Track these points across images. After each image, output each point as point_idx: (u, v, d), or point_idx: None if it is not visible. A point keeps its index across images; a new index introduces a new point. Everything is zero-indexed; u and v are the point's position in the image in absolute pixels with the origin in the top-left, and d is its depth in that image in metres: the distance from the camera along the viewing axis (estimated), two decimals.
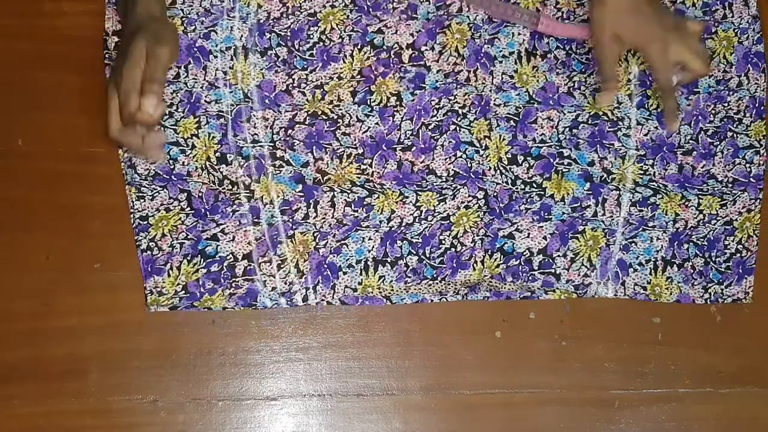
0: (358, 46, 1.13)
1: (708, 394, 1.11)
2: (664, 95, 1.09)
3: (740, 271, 1.13)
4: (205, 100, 1.10)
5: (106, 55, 1.09)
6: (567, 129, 1.13)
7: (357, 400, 1.08)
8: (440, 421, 1.08)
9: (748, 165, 1.15)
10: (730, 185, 1.14)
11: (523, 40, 1.14)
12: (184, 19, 1.11)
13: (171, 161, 1.09)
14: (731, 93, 1.16)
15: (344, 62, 1.13)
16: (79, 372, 1.05)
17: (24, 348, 1.05)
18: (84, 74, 1.10)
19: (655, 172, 1.13)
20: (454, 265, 1.10)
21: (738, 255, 1.14)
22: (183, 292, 1.07)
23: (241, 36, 1.11)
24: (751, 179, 1.15)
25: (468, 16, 1.14)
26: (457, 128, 1.12)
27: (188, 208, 1.08)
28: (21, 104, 1.10)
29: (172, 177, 1.08)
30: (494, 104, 1.13)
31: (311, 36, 1.13)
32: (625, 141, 1.14)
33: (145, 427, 1.05)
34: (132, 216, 1.08)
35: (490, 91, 1.13)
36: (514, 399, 1.09)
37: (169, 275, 1.07)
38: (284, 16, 1.13)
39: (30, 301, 1.06)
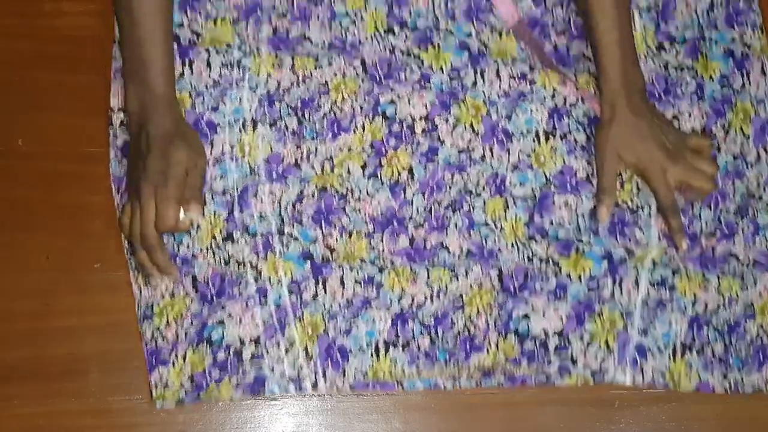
0: (370, 117, 1.11)
1: (708, 395, 1.09)
2: (666, 215, 1.09)
3: (761, 357, 1.09)
4: (210, 177, 1.07)
5: (111, 132, 1.08)
6: (585, 216, 1.11)
7: (357, 400, 1.06)
8: (440, 421, 1.07)
9: None
10: (750, 266, 1.11)
11: (542, 118, 1.12)
12: (191, 92, 1.09)
13: (175, 244, 1.06)
14: (750, 167, 1.14)
15: (355, 133, 1.10)
16: (79, 372, 1.04)
17: (24, 348, 1.04)
18: (84, 74, 1.11)
19: (675, 255, 1.11)
20: (468, 348, 1.07)
21: (759, 340, 1.10)
22: (189, 383, 1.04)
23: (251, 107, 1.09)
24: None
25: (483, 91, 1.12)
26: (471, 208, 1.10)
27: (194, 292, 1.05)
28: (21, 104, 1.10)
29: (177, 260, 1.06)
30: (510, 183, 1.10)
31: (322, 106, 1.11)
32: (647, 231, 1.11)
33: (145, 427, 1.04)
34: (137, 305, 1.05)
35: (506, 169, 1.11)
36: (514, 399, 1.07)
37: (174, 366, 1.04)
38: (294, 85, 1.11)
39: (30, 301, 1.06)
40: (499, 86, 1.13)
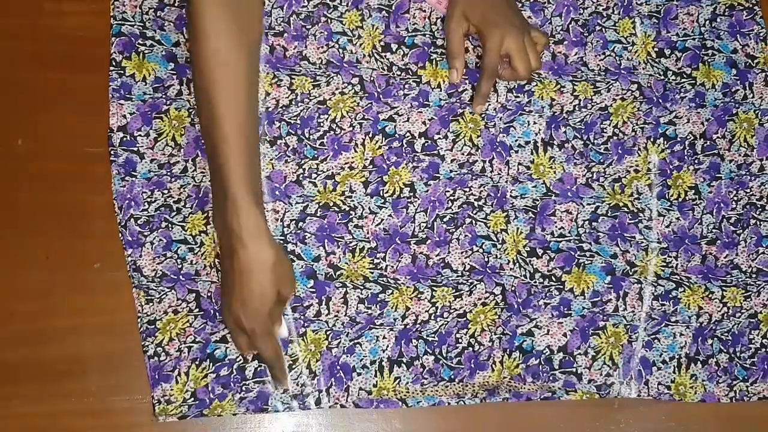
0: (370, 135, 1.11)
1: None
2: (483, 78, 1.09)
3: (765, 366, 1.10)
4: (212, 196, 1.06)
5: (111, 152, 1.08)
6: (586, 222, 1.11)
7: None
8: (440, 421, 1.07)
9: None
10: (754, 276, 1.11)
11: (539, 129, 1.12)
12: (191, 110, 1.09)
13: (179, 260, 1.06)
14: (753, 178, 1.14)
15: (355, 151, 1.10)
16: (79, 372, 1.04)
17: (24, 348, 1.04)
18: (85, 74, 1.10)
19: (677, 264, 1.11)
20: (472, 365, 1.06)
21: (763, 350, 1.10)
22: (192, 399, 1.03)
23: None
24: None
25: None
26: (473, 221, 1.09)
27: (197, 309, 1.05)
28: (21, 104, 1.10)
29: (180, 277, 1.05)
30: (510, 195, 1.10)
31: (321, 124, 1.11)
32: (647, 233, 1.11)
33: (145, 427, 1.04)
34: (140, 321, 1.05)
35: (506, 182, 1.11)
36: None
37: (177, 381, 1.04)
38: (293, 103, 1.11)
39: (30, 301, 1.05)
40: (497, 100, 1.13)
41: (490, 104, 1.13)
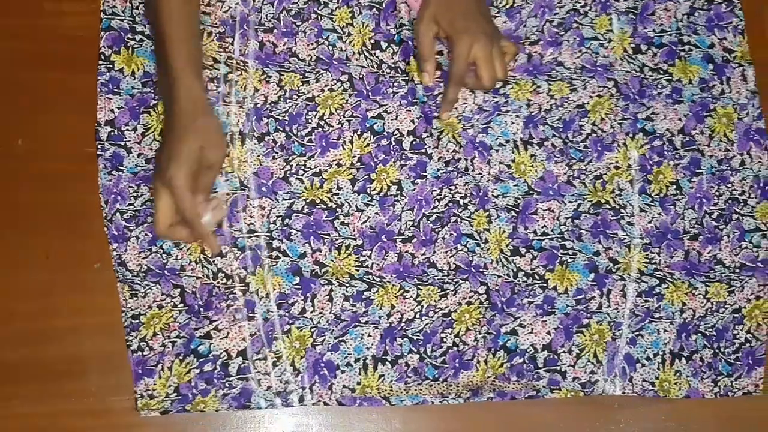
0: (358, 132, 1.11)
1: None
2: (450, 85, 1.08)
3: (750, 362, 1.10)
4: None
5: (98, 146, 1.08)
6: (569, 220, 1.11)
7: None
8: (440, 421, 1.07)
9: (755, 249, 1.12)
10: (737, 271, 1.11)
11: (517, 129, 1.12)
12: None
13: (164, 255, 1.06)
14: (734, 173, 1.14)
15: (343, 149, 1.10)
16: (79, 372, 1.05)
17: (24, 348, 1.05)
18: (84, 74, 1.11)
19: (661, 261, 1.11)
20: (457, 365, 1.06)
21: (747, 345, 1.10)
22: (175, 394, 1.03)
23: (238, 121, 1.09)
24: (759, 264, 1.12)
25: (456, 108, 1.12)
26: (458, 220, 1.09)
27: (181, 305, 1.05)
28: (21, 104, 1.11)
29: (165, 272, 1.06)
30: (492, 195, 1.10)
31: (310, 121, 1.11)
32: (629, 229, 1.11)
33: (145, 427, 1.04)
34: (124, 315, 1.05)
35: (488, 181, 1.11)
36: (514, 398, 1.07)
37: (160, 377, 1.03)
38: (282, 100, 1.11)
39: (30, 301, 1.06)
40: (473, 101, 1.13)
41: (467, 105, 1.13)
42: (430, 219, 1.09)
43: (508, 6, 1.16)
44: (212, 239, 1.00)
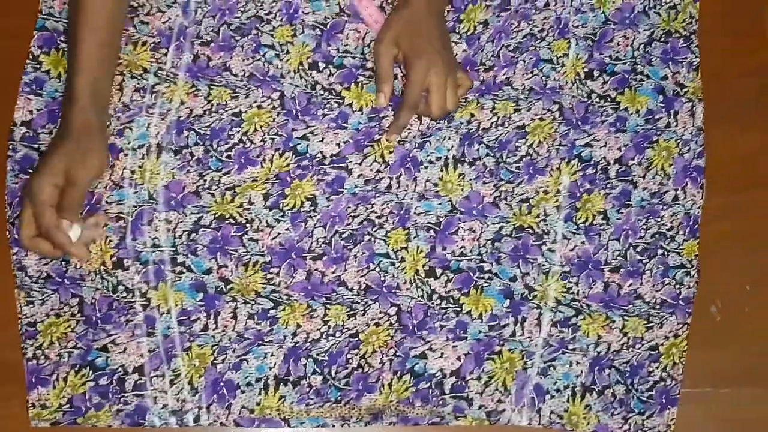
0: (280, 151, 1.08)
1: (708, 394, 1.09)
2: (402, 110, 1.06)
3: (663, 401, 1.07)
4: (106, 201, 1.05)
5: (10, 146, 1.06)
6: (489, 242, 1.08)
7: None
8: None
9: (677, 286, 1.09)
10: (657, 307, 1.09)
11: (452, 146, 1.10)
12: None
13: (64, 263, 1.04)
14: (665, 207, 1.11)
15: (262, 167, 1.08)
16: None
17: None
18: None
19: (579, 291, 1.08)
20: (360, 387, 1.04)
21: (662, 383, 1.07)
22: (68, 406, 1.02)
23: (157, 133, 1.07)
24: (680, 302, 1.09)
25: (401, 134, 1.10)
26: (372, 239, 1.07)
27: (79, 315, 1.03)
28: None
29: (65, 280, 1.04)
30: (414, 213, 1.08)
31: (232, 136, 1.08)
32: (549, 256, 1.09)
33: (145, 428, 1.03)
34: (20, 322, 1.03)
35: (412, 199, 1.08)
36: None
37: (54, 387, 1.02)
38: (207, 114, 1.09)
39: None
40: (417, 128, 1.11)
41: (410, 132, 1.10)
42: (343, 236, 1.07)
43: (469, 33, 1.13)
44: (78, 250, 0.99)
